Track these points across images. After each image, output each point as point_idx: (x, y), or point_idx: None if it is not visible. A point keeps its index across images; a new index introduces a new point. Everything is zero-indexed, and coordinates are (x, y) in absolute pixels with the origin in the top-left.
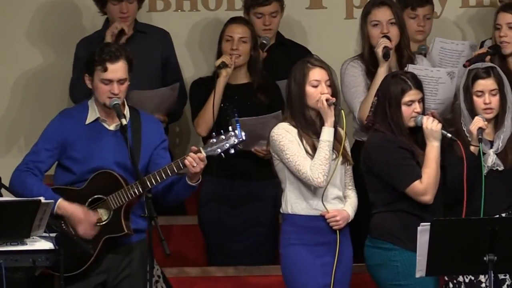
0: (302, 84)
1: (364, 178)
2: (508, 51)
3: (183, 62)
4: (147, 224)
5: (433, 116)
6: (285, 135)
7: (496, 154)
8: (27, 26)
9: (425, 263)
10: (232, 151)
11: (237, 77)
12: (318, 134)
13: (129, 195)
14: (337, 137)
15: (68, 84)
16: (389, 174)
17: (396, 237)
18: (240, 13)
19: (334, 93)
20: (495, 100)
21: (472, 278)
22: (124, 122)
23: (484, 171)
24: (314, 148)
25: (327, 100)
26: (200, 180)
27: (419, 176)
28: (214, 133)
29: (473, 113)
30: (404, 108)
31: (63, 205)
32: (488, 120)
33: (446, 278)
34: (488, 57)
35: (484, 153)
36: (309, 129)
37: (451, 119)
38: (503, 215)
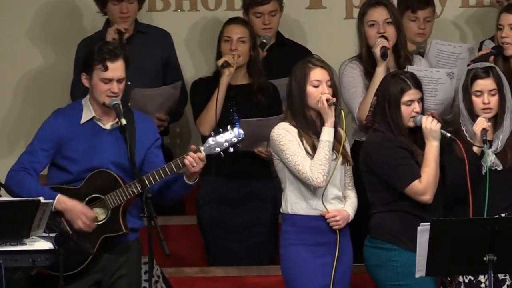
0: (303, 84)
1: (363, 177)
2: (510, 52)
3: (182, 62)
4: (142, 224)
5: (433, 117)
6: (285, 135)
7: (495, 154)
8: (28, 26)
9: (425, 263)
10: (231, 150)
11: (237, 78)
12: (318, 134)
13: (127, 194)
14: (337, 137)
15: (68, 85)
16: (388, 173)
17: (396, 237)
18: (240, 13)
19: (335, 93)
20: (494, 100)
21: (472, 278)
22: (124, 122)
23: (483, 171)
24: (314, 148)
25: (327, 100)
26: (197, 179)
27: (418, 176)
28: (213, 132)
29: (472, 113)
30: (403, 107)
31: (63, 199)
32: None
33: (449, 279)
34: (491, 58)
35: (483, 153)
36: (309, 129)
37: (450, 119)
38: (503, 215)
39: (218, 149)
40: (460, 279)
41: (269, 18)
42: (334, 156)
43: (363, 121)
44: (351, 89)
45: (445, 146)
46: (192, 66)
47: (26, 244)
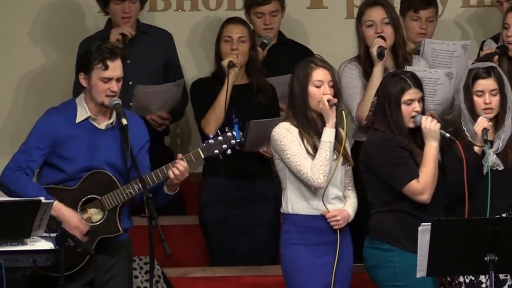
0: (304, 84)
1: (363, 177)
2: None
3: (184, 62)
4: (132, 224)
5: (432, 117)
6: (286, 135)
7: (496, 154)
8: (29, 26)
9: (426, 263)
10: (229, 152)
11: (236, 78)
12: (319, 134)
13: (124, 195)
14: (337, 138)
15: (70, 84)
16: (386, 173)
17: (394, 238)
18: (241, 13)
19: (336, 94)
20: (495, 100)
21: (473, 278)
22: (125, 122)
23: (484, 171)
24: (315, 148)
25: (328, 101)
26: (177, 190)
27: (416, 176)
28: (211, 134)
29: (473, 113)
30: (403, 107)
31: (59, 208)
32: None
33: (449, 279)
34: (496, 58)
35: (484, 153)
36: (310, 129)
37: (451, 119)
38: (504, 215)
39: (217, 151)
40: (461, 279)
41: (270, 18)
42: (335, 157)
43: (362, 122)
44: (350, 90)
45: (446, 147)
46: (193, 66)
47: (27, 244)
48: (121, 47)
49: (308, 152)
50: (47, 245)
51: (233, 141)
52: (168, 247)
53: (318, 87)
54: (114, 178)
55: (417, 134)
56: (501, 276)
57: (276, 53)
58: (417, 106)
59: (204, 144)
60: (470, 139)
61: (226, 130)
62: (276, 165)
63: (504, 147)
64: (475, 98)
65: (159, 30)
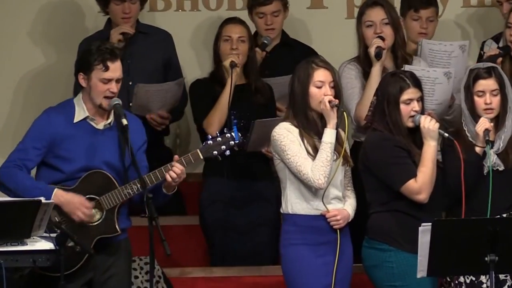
0: (305, 84)
1: (361, 177)
2: None
3: (184, 62)
4: (130, 224)
5: (431, 117)
6: (286, 135)
7: (497, 154)
8: (29, 26)
9: (427, 264)
10: (228, 153)
11: None
12: (319, 135)
13: (123, 195)
14: (338, 139)
15: (70, 84)
16: (384, 173)
17: (392, 238)
18: (241, 13)
19: (337, 95)
20: (496, 100)
21: (473, 278)
22: (125, 122)
23: (485, 171)
24: (315, 149)
25: (330, 101)
26: (175, 189)
27: (414, 175)
28: (209, 135)
29: (474, 113)
30: (402, 106)
31: (60, 193)
32: None
33: (449, 279)
34: (499, 59)
35: (485, 154)
36: (311, 129)
37: (451, 120)
38: (504, 215)
39: (215, 152)
40: (462, 279)
41: (272, 19)
42: (335, 157)
43: (360, 122)
44: (349, 90)
45: (447, 147)
46: (193, 66)
47: (27, 244)
48: (120, 48)
49: (308, 152)
50: (47, 245)
51: (231, 142)
52: (168, 247)
53: (319, 87)
54: (112, 178)
55: (416, 134)
56: (501, 276)
57: (279, 53)
58: (416, 106)
59: (203, 145)
60: (470, 139)
61: (225, 131)
62: (276, 165)
63: (504, 148)
64: (476, 98)
65: (159, 30)
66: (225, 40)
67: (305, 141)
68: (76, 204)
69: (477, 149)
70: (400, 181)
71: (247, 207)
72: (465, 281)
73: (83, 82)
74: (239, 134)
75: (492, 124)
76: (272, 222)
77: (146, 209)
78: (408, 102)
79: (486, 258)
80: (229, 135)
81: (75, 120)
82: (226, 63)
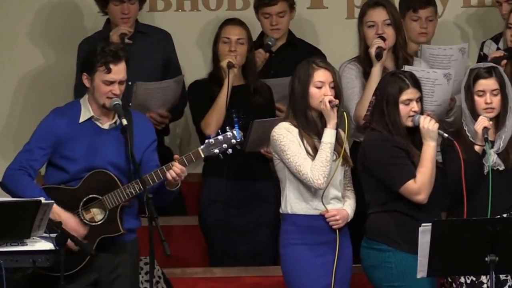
0: (306, 84)
1: (360, 177)
2: None
3: (183, 62)
4: (139, 224)
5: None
6: (286, 135)
7: (497, 154)
8: (29, 26)
9: (427, 264)
10: (230, 151)
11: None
12: (319, 135)
13: (125, 195)
14: (337, 139)
15: (70, 84)
16: (383, 173)
17: (390, 238)
18: (241, 13)
19: (338, 95)
20: (496, 100)
21: (474, 279)
22: (125, 122)
23: (485, 171)
24: (315, 149)
25: (330, 101)
26: (179, 185)
27: (413, 176)
28: (211, 134)
29: (474, 113)
30: (401, 106)
31: (57, 211)
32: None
33: (450, 279)
34: (504, 61)
35: (485, 153)
36: (311, 129)
37: (452, 121)
38: (505, 215)
39: (217, 151)
40: (462, 279)
41: (277, 19)
42: (335, 157)
43: (360, 121)
44: (349, 90)
45: (446, 147)
46: (194, 67)
47: (26, 244)
48: (126, 49)
49: (308, 152)
50: (47, 245)
51: (233, 141)
52: (168, 247)
53: (319, 88)
54: (115, 178)
55: (415, 134)
56: (502, 277)
57: (284, 53)
58: (415, 106)
59: (204, 144)
60: (471, 139)
61: (227, 130)
62: (276, 165)
63: (505, 147)
64: (476, 98)
65: (158, 30)
66: (223, 42)
67: (305, 141)
68: (72, 227)
69: (476, 148)
70: (399, 182)
71: (247, 207)
72: (465, 281)
73: (86, 82)
74: (241, 132)
75: (491, 122)
76: (272, 222)
77: (146, 209)
78: (407, 102)
79: (486, 259)
80: (230, 133)
81: (81, 120)
82: (223, 63)
